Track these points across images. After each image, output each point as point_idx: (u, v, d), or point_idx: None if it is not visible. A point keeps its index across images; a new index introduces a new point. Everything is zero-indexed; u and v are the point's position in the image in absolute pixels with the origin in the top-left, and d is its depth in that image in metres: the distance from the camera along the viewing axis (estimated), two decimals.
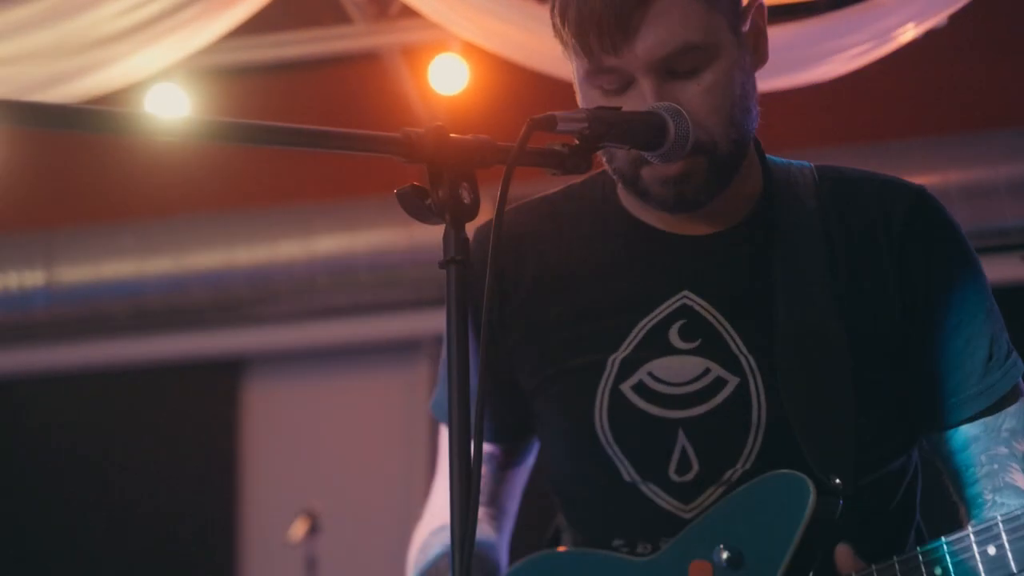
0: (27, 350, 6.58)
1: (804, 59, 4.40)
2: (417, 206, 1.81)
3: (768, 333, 2.13)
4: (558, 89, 4.65)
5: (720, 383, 2.13)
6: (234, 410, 6.73)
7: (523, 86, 5.23)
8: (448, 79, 5.50)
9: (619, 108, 2.00)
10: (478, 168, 1.81)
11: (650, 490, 2.16)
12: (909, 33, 4.50)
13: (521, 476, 2.41)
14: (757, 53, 2.16)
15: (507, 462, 2.40)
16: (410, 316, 6.35)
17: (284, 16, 5.57)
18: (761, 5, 2.15)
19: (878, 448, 2.14)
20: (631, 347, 2.17)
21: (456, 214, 1.78)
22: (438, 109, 5.69)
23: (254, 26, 4.97)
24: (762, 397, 2.11)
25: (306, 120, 1.77)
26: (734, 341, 2.14)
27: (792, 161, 2.26)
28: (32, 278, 6.16)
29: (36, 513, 6.65)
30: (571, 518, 2.30)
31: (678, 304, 2.17)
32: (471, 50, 5.37)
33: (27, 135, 5.99)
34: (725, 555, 2.07)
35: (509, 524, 2.41)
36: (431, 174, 1.79)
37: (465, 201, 1.79)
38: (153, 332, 6.48)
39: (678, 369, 2.14)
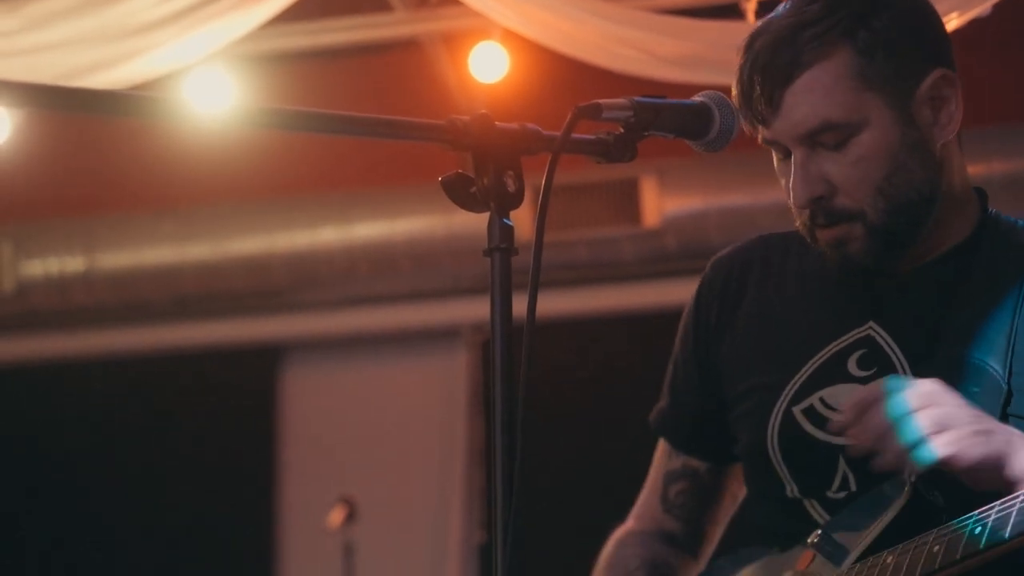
0: (67, 335, 6.62)
1: None
2: (461, 194, 1.81)
3: (934, 366, 2.18)
4: (598, 77, 4.68)
5: None
6: (272, 397, 6.74)
7: (563, 74, 5.23)
8: (488, 67, 5.50)
9: (664, 97, 1.99)
10: (523, 156, 1.81)
11: (811, 506, 2.27)
12: (953, 22, 4.48)
13: (728, 501, 2.51)
14: (940, 124, 2.21)
15: (713, 482, 2.51)
16: (449, 304, 6.37)
17: (325, 4, 5.58)
18: (946, 76, 2.20)
19: None
20: (809, 372, 2.28)
21: (501, 202, 1.78)
22: (478, 97, 5.69)
23: (295, 13, 4.98)
24: None
25: (346, 108, 1.78)
26: (904, 372, 2.22)
27: None
28: (73, 264, 6.19)
29: (74, 497, 6.68)
30: (743, 526, 2.44)
31: (863, 334, 2.27)
32: (511, 38, 5.36)
33: (69, 124, 6.02)
34: (817, 539, 2.19)
35: (708, 549, 2.52)
36: (476, 162, 1.79)
37: (510, 189, 1.79)
38: (192, 318, 6.51)
39: (847, 396, 2.17)
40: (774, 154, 2.25)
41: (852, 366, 2.25)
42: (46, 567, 6.64)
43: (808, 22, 2.16)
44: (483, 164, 1.78)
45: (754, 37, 2.19)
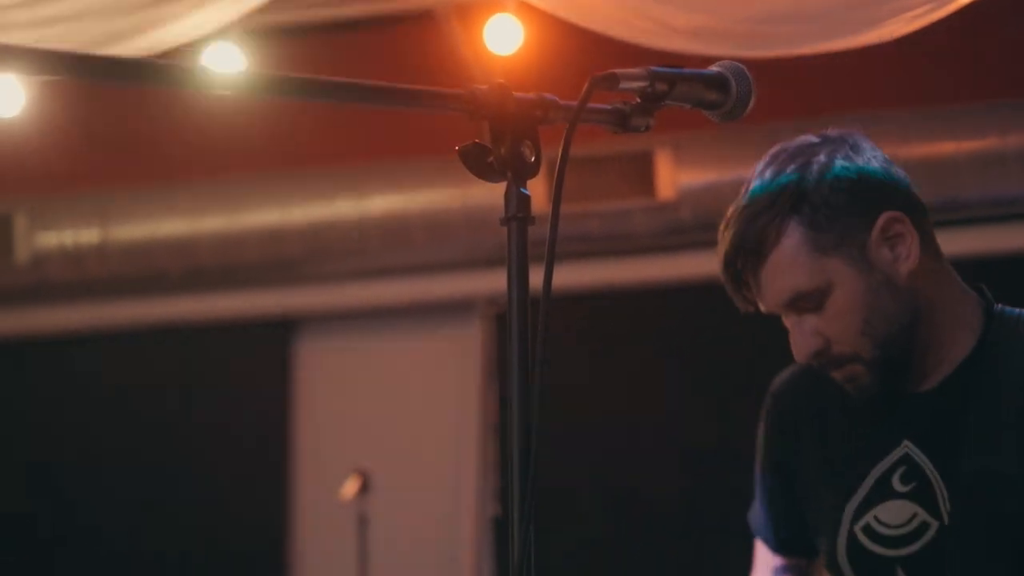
0: (82, 307, 6.63)
1: (866, 20, 4.36)
2: (479, 163, 1.81)
3: (961, 480, 2.48)
4: (611, 49, 4.67)
5: (925, 526, 2.50)
6: (286, 368, 6.75)
7: (577, 46, 5.22)
8: (503, 39, 5.48)
9: (680, 67, 1.99)
10: (540, 125, 1.81)
11: None
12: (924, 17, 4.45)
13: None
14: (900, 258, 2.47)
15: (819, 570, 2.79)
16: (463, 276, 6.37)
17: None
18: (893, 216, 2.46)
19: None
20: (863, 495, 2.57)
21: (518, 171, 1.78)
22: (493, 69, 5.68)
23: None
24: (952, 538, 2.49)
25: (361, 79, 1.77)
26: (939, 486, 2.49)
27: None
28: (87, 236, 6.20)
29: (86, 467, 6.70)
30: None
31: (901, 453, 2.54)
32: (525, 9, 5.35)
33: (84, 95, 6.02)
34: None
35: None
36: (493, 131, 1.79)
37: (527, 158, 1.79)
38: (206, 290, 6.52)
39: (896, 512, 2.54)
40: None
41: (896, 483, 2.53)
42: (61, 537, 6.66)
43: (760, 210, 2.45)
44: (500, 134, 1.78)
45: (724, 227, 2.49)
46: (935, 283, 2.51)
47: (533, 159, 1.80)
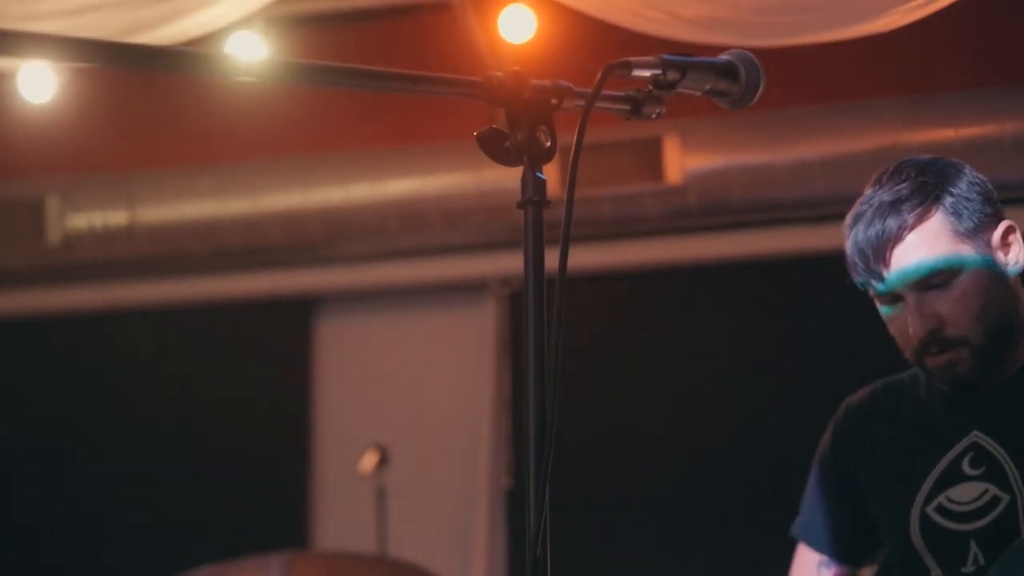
0: (110, 287, 6.64)
1: (868, 10, 4.34)
2: (496, 148, 1.81)
3: None
4: (621, 39, 4.65)
5: (996, 500, 2.68)
6: (307, 347, 6.75)
7: (588, 36, 5.20)
8: (516, 29, 5.47)
9: (690, 55, 1.99)
10: (556, 111, 1.80)
11: None
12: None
13: None
14: (1010, 263, 2.69)
15: None
16: (477, 257, 6.37)
17: None
18: (1010, 226, 2.70)
19: None
20: (935, 479, 2.73)
21: (534, 156, 1.78)
22: (507, 58, 5.66)
23: None
24: (1022, 510, 2.66)
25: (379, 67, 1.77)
26: (1009, 466, 2.67)
27: None
28: (116, 218, 6.20)
29: (115, 440, 6.71)
30: None
31: (970, 442, 2.71)
32: (538, 0, 5.34)
33: (113, 82, 6.01)
34: None
35: None
36: (510, 117, 1.79)
37: (543, 143, 1.79)
38: (230, 270, 6.52)
39: (966, 491, 2.70)
40: (879, 304, 2.71)
41: (966, 467, 2.71)
42: (92, 511, 6.67)
43: (905, 196, 2.63)
44: (517, 119, 1.78)
45: (859, 214, 2.67)
46: (1021, 293, 2.72)
47: (549, 144, 1.80)
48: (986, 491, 2.67)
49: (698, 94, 2.01)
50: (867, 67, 5.69)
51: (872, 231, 2.64)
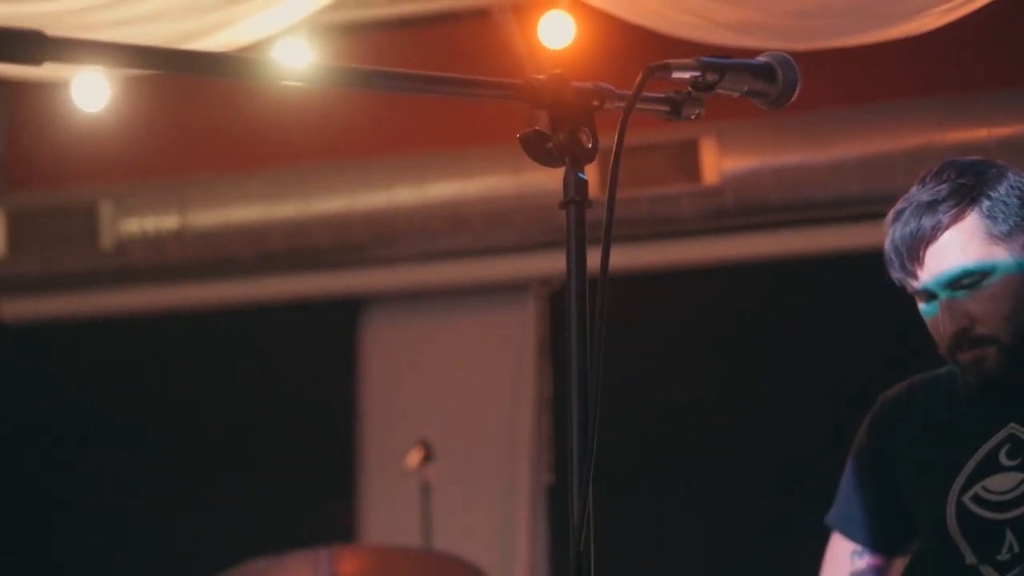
0: (161, 289, 6.67)
1: (901, 14, 4.32)
2: (539, 150, 1.81)
3: None
4: (658, 43, 4.64)
5: None
6: (353, 347, 6.76)
7: (625, 41, 5.20)
8: (556, 34, 5.46)
9: (729, 57, 1.98)
10: (597, 113, 1.80)
11: (985, 570, 2.73)
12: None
13: None
14: None
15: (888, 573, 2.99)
16: (518, 258, 6.37)
17: None
18: None
19: None
20: (971, 469, 2.75)
21: (576, 157, 1.78)
22: (545, 63, 5.66)
23: None
24: None
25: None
26: None
27: None
28: (167, 223, 6.22)
29: (166, 439, 6.74)
30: None
31: (1007, 433, 2.73)
32: (577, 6, 5.33)
33: (164, 92, 6.04)
34: None
35: None
36: (553, 119, 1.79)
37: (585, 144, 1.78)
38: (278, 273, 6.54)
39: (1003, 481, 2.72)
40: (918, 301, 2.72)
41: (1003, 459, 2.73)
42: (146, 506, 6.70)
43: (942, 197, 2.65)
44: (559, 121, 1.78)
45: (899, 211, 2.69)
46: None
47: (590, 145, 1.79)
48: (1022, 481, 2.69)
49: (736, 95, 2.00)
50: (901, 68, 5.66)
51: (908, 229, 2.66)
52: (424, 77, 1.70)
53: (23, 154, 6.67)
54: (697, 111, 1.94)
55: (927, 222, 2.65)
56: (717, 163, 5.68)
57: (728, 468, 6.15)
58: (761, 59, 2.00)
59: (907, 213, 2.68)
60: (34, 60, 1.49)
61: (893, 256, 2.69)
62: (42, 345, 6.87)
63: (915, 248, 2.65)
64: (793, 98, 2.02)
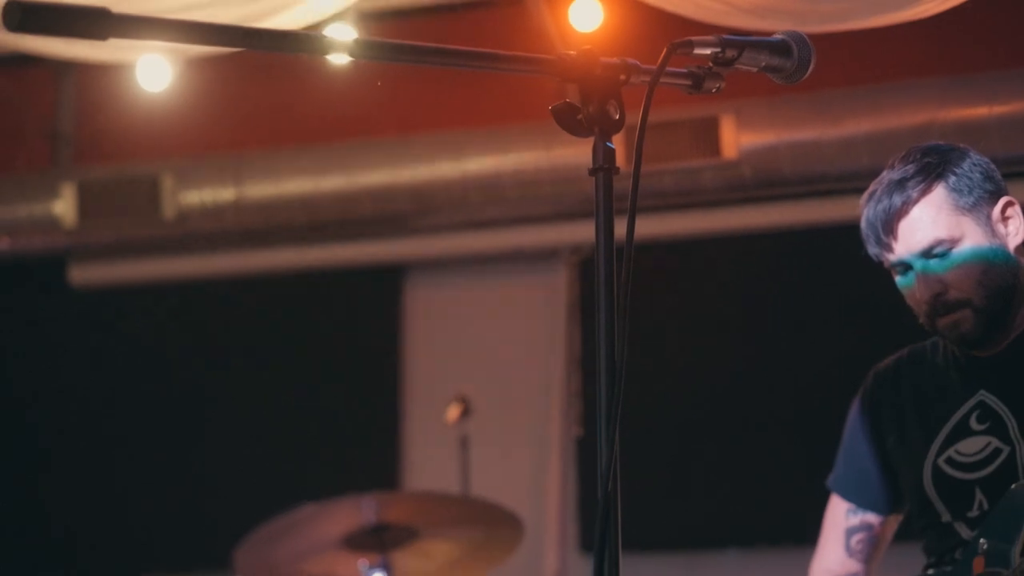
0: (219, 256, 6.69)
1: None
2: (569, 120, 1.81)
3: None
4: (681, 27, 4.61)
5: (998, 452, 2.75)
6: (397, 310, 6.78)
7: (649, 24, 5.17)
8: (585, 18, 5.44)
9: (748, 35, 1.97)
10: (624, 87, 1.79)
11: (958, 526, 2.79)
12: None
13: (884, 545, 3.09)
14: (1010, 235, 2.75)
15: (880, 532, 3.05)
16: (550, 227, 6.37)
17: None
18: (1009, 201, 2.77)
19: None
20: (945, 434, 2.81)
21: (604, 127, 1.78)
22: (575, 46, 5.62)
23: None
24: (1022, 458, 2.73)
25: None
26: (1010, 421, 2.74)
27: None
28: (224, 194, 6.23)
29: (224, 396, 6.77)
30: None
31: (977, 400, 2.78)
32: None
33: (222, 71, 6.05)
34: (985, 546, 2.68)
35: None
36: (583, 92, 1.79)
37: (613, 116, 1.78)
38: (328, 241, 6.55)
39: (972, 444, 2.77)
40: (895, 276, 2.77)
41: (973, 423, 2.77)
42: (210, 459, 6.73)
43: (911, 175, 2.71)
44: (589, 94, 1.78)
45: (872, 192, 2.75)
46: (1022, 264, 2.78)
47: (617, 116, 1.79)
48: (989, 443, 2.75)
49: (754, 70, 2.00)
50: (907, 49, 5.62)
51: (881, 206, 2.72)
52: (462, 52, 1.70)
53: (92, 132, 6.69)
54: (717, 85, 1.94)
55: (898, 198, 2.69)
56: (736, 139, 5.65)
57: (740, 419, 6.16)
58: (777, 36, 1.99)
59: (879, 192, 2.74)
60: (99, 35, 1.49)
61: (869, 232, 2.75)
62: (108, 308, 6.90)
63: (889, 223, 2.69)
64: (808, 73, 2.01)
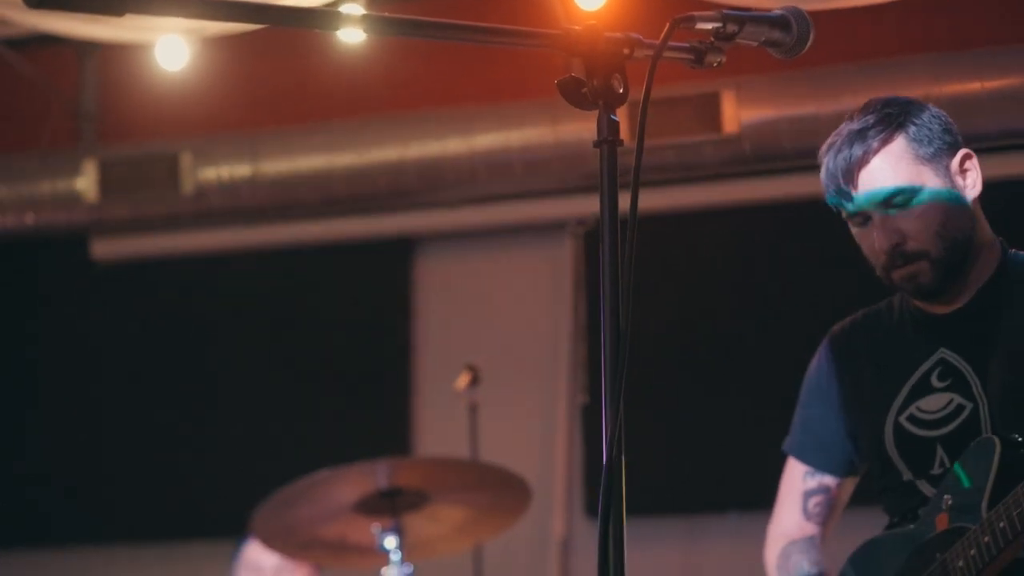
0: (237, 230, 6.69)
1: None
2: (575, 94, 1.80)
3: (991, 374, 2.66)
4: (683, 4, 4.58)
5: (960, 409, 2.67)
6: (407, 281, 6.78)
7: (654, 2, 5.13)
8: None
9: (749, 9, 1.95)
10: (628, 60, 1.78)
11: (920, 484, 2.73)
12: None
13: (840, 508, 3.01)
14: (968, 187, 2.68)
15: (836, 495, 2.98)
16: (556, 201, 6.37)
17: None
18: (967, 154, 2.69)
19: None
20: (906, 391, 2.74)
21: (609, 100, 1.77)
22: (580, 22, 5.59)
23: None
24: (986, 414, 2.66)
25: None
26: (972, 377, 2.67)
27: None
28: (240, 170, 6.21)
29: (241, 365, 6.78)
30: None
31: (938, 358, 2.72)
32: None
33: (238, 51, 6.04)
34: (950, 501, 2.62)
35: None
36: (587, 66, 1.77)
37: (617, 89, 1.77)
38: (340, 215, 6.55)
39: (934, 402, 2.70)
40: (852, 225, 2.70)
41: (934, 381, 2.71)
42: (226, 427, 6.74)
43: (871, 124, 2.63)
44: (593, 68, 1.76)
45: (831, 143, 2.67)
46: (981, 219, 2.72)
47: (621, 90, 1.78)
48: (951, 400, 2.68)
49: (754, 44, 1.98)
50: (901, 27, 5.59)
51: (841, 156, 2.63)
52: (470, 27, 1.69)
53: (113, 110, 6.68)
54: (719, 59, 1.92)
55: (858, 148, 2.62)
56: (736, 114, 5.62)
57: (740, 385, 6.17)
58: (777, 11, 1.98)
59: (839, 142, 2.66)
60: (116, 11, 1.48)
61: (829, 182, 2.67)
62: (129, 281, 6.90)
63: (849, 172, 2.61)
64: (806, 48, 1.99)
